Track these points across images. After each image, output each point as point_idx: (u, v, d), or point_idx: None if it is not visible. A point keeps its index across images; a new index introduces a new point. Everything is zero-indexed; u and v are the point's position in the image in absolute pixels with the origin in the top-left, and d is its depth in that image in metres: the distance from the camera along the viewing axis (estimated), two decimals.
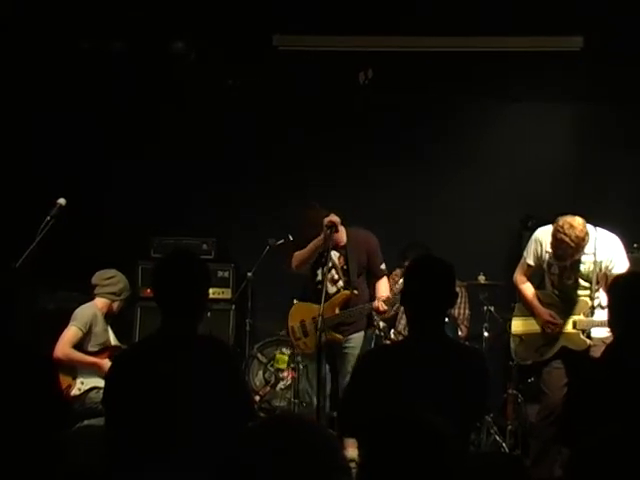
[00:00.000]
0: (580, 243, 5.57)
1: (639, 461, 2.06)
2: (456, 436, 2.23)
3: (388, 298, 6.23)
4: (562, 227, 5.57)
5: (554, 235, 5.63)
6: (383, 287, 6.39)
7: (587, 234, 5.60)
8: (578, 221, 5.59)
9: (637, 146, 8.11)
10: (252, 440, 2.01)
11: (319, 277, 6.38)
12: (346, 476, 2.01)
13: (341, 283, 6.33)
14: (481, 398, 3.66)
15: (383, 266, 6.36)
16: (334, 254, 6.32)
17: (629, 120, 8.14)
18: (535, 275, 6.13)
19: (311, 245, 6.35)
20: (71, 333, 6.21)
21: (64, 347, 6.15)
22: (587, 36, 7.80)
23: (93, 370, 6.22)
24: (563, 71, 8.09)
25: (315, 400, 6.28)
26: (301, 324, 6.46)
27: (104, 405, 3.70)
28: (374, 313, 6.53)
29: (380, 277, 6.39)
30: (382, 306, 6.19)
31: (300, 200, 8.08)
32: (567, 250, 5.61)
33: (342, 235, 6.33)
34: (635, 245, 7.32)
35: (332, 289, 6.33)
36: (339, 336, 6.24)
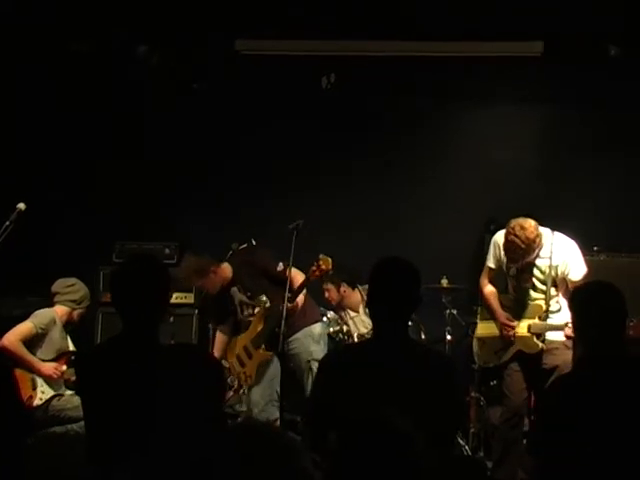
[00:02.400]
0: (530, 245, 5.61)
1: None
2: (425, 439, 2.23)
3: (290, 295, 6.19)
4: (513, 229, 5.62)
5: (505, 237, 5.69)
6: (296, 280, 6.25)
7: (538, 236, 5.64)
8: (529, 223, 5.63)
9: (599, 149, 8.19)
10: (222, 446, 2.01)
11: (242, 317, 6.51)
12: None
13: (257, 309, 6.41)
14: (450, 399, 3.62)
15: (280, 267, 6.24)
16: (234, 291, 6.45)
17: (591, 123, 8.21)
18: (500, 279, 6.17)
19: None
20: (25, 327, 6.16)
21: (13, 337, 6.09)
22: (547, 41, 7.87)
23: (43, 376, 6.18)
24: (525, 76, 8.15)
25: (253, 406, 6.43)
26: (237, 357, 6.52)
27: (81, 397, 3.68)
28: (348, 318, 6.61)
29: (286, 276, 6.14)
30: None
31: (264, 204, 8.12)
32: (517, 251, 5.65)
33: (225, 271, 6.40)
34: (595, 248, 7.38)
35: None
36: (268, 353, 6.29)
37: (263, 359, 6.33)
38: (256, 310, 6.39)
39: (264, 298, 6.31)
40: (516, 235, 5.58)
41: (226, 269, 6.40)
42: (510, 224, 5.67)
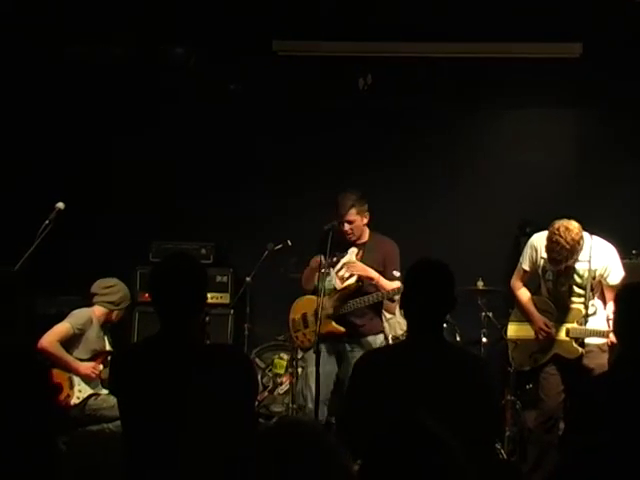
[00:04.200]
0: (575, 246, 5.57)
1: (625, 470, 2.05)
2: (462, 444, 2.21)
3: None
4: (558, 230, 5.58)
5: (549, 238, 5.63)
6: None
7: (582, 238, 5.61)
8: (574, 225, 5.60)
9: (636, 152, 8.12)
10: (261, 445, 2.01)
11: (335, 272, 6.35)
12: None
13: (351, 280, 6.27)
14: (485, 403, 3.59)
15: (397, 273, 6.22)
16: (353, 250, 6.31)
17: (627, 126, 8.15)
18: (532, 281, 6.13)
19: (307, 271, 6.40)
20: (62, 328, 6.20)
21: (51, 338, 6.13)
22: (586, 43, 7.81)
23: (80, 375, 6.23)
24: (562, 77, 8.10)
25: (310, 404, 6.25)
26: (303, 316, 6.44)
27: (117, 396, 3.68)
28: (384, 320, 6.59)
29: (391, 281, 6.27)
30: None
31: (299, 205, 8.12)
32: (562, 253, 5.60)
33: (366, 229, 6.33)
34: (634, 252, 7.32)
35: (341, 286, 6.31)
36: (340, 328, 6.18)
37: (332, 330, 6.19)
38: (347, 282, 6.25)
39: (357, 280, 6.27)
40: (561, 236, 5.54)
41: (367, 229, 6.33)
42: (554, 225, 5.62)
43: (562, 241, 5.54)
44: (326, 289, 6.12)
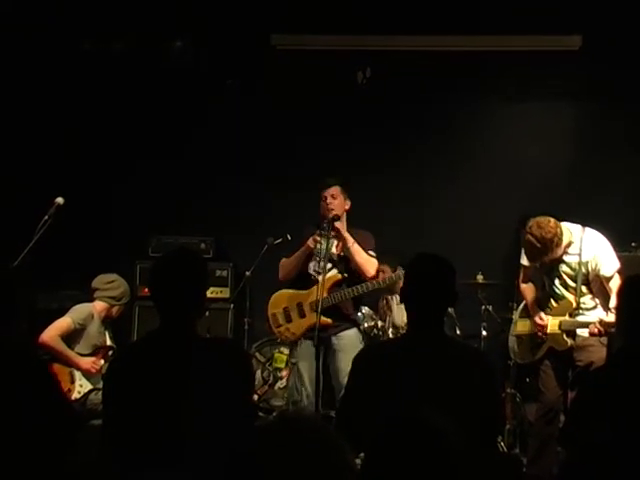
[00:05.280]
0: (546, 244, 5.58)
1: (628, 466, 2.05)
2: (464, 439, 2.21)
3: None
4: (530, 228, 5.63)
5: (524, 236, 5.72)
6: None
7: (556, 235, 5.59)
8: (547, 222, 5.61)
9: (636, 145, 8.11)
10: (262, 439, 2.00)
11: (310, 270, 6.35)
12: (354, 475, 2.00)
13: (334, 272, 6.29)
14: (487, 398, 3.59)
15: (372, 253, 6.26)
16: (333, 242, 6.30)
17: (627, 119, 8.14)
18: (538, 276, 6.14)
19: (298, 253, 6.35)
20: (63, 323, 6.21)
21: (52, 333, 6.14)
22: (586, 35, 7.81)
23: (81, 370, 6.24)
24: (562, 70, 8.09)
25: (305, 400, 6.23)
26: (284, 310, 6.40)
27: (103, 404, 3.68)
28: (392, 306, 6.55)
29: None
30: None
31: (298, 199, 8.11)
32: (533, 250, 5.66)
33: (345, 207, 6.36)
34: (633, 244, 7.32)
35: (338, 252, 6.34)
36: (327, 319, 6.11)
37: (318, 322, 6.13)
38: (331, 274, 6.26)
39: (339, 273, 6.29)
40: (532, 234, 5.59)
41: (345, 208, 6.35)
42: (529, 223, 5.68)
43: (532, 239, 5.59)
44: (324, 251, 6.17)
